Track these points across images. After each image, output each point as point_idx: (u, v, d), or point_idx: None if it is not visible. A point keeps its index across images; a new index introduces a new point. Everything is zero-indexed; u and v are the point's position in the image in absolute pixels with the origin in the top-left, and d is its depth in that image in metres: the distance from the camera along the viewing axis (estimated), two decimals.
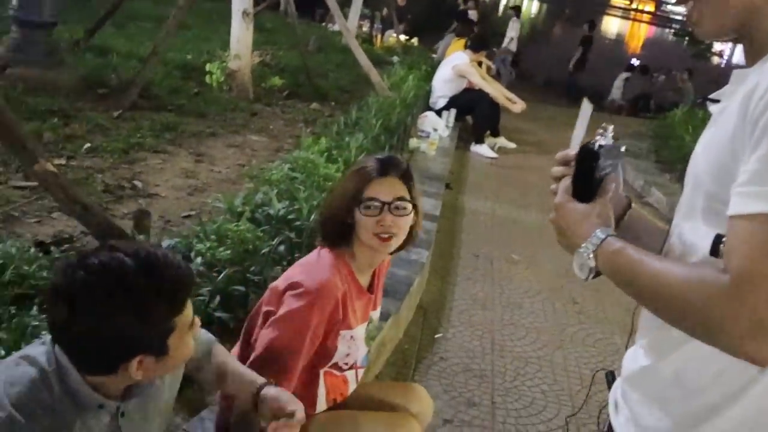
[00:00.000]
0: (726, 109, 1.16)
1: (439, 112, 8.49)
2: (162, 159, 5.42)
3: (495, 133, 8.91)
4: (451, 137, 8.29)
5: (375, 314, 2.31)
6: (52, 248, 3.41)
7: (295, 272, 2.09)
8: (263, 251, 3.43)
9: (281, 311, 2.00)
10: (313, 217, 3.73)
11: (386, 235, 2.06)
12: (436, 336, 4.08)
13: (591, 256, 1.26)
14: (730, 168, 1.08)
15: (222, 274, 3.17)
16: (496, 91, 8.66)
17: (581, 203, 1.34)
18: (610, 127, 1.34)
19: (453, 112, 8.50)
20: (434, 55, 12.83)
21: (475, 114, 8.74)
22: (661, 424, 1.27)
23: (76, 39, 8.17)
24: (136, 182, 4.80)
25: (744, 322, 0.99)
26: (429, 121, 7.91)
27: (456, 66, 8.63)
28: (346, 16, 14.50)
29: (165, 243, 3.42)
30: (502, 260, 5.34)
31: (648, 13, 67.08)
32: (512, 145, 8.97)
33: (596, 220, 1.30)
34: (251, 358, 2.01)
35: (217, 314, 3.05)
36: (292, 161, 4.64)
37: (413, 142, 7.15)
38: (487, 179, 7.60)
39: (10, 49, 6.38)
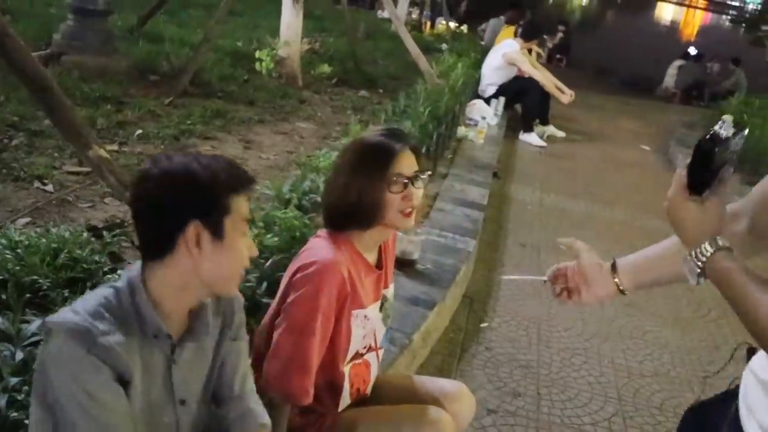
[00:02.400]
0: None
1: (487, 100, 8.43)
2: (211, 146, 5.49)
3: (544, 122, 8.81)
4: (500, 126, 8.22)
5: (388, 292, 2.26)
6: (104, 233, 3.48)
7: (296, 263, 2.04)
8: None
9: (289, 300, 1.97)
10: None
11: (410, 210, 2.03)
12: (482, 325, 4.06)
13: (699, 265, 1.28)
14: None
15: (269, 261, 3.20)
16: (546, 79, 8.55)
17: (694, 200, 1.32)
18: (730, 118, 1.30)
19: (502, 100, 8.42)
20: (482, 42, 12.73)
21: (524, 102, 8.66)
22: None
23: (130, 27, 8.33)
24: None
25: None
26: (477, 109, 7.86)
27: (506, 54, 8.54)
28: (395, 3, 14.51)
29: None
30: (549, 250, 5.29)
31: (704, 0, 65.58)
32: (561, 134, 8.87)
33: (706, 227, 1.29)
34: (268, 354, 1.99)
35: (265, 300, 3.08)
36: (340, 149, 4.65)
37: (461, 131, 7.11)
38: (535, 168, 7.53)
39: (66, 36, 6.52)
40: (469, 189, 5.50)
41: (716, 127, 1.29)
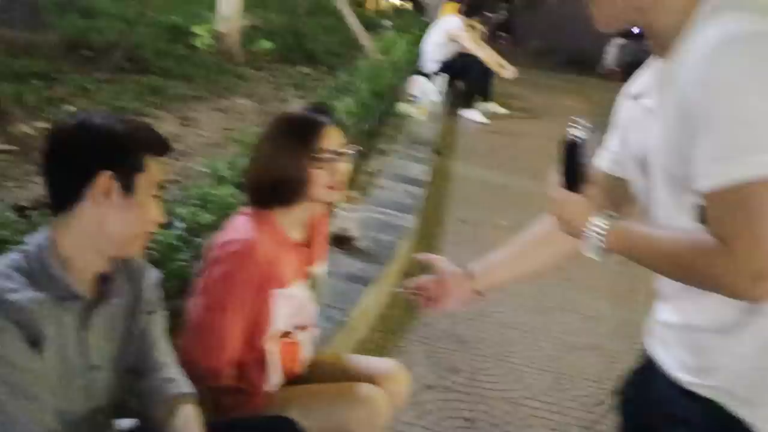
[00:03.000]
0: (666, 103, 1.29)
1: (429, 77, 8.40)
2: (148, 123, 5.34)
3: (487, 99, 8.83)
4: (442, 102, 8.21)
5: (319, 270, 2.23)
6: (32, 213, 3.36)
7: (217, 239, 2.01)
8: None
9: (207, 276, 1.94)
10: None
11: (337, 184, 2.02)
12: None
13: (601, 239, 1.37)
14: (685, 154, 1.21)
15: (204, 239, 3.13)
16: (488, 56, 8.57)
17: (575, 194, 1.44)
18: (581, 120, 1.44)
19: (445, 76, 8.41)
20: (425, 19, 12.69)
21: (466, 79, 8.66)
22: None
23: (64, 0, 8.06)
24: None
25: (746, 274, 1.14)
26: (419, 85, 7.83)
27: (449, 30, 8.52)
28: None
29: None
30: (488, 226, 5.31)
31: None
32: (504, 111, 8.90)
33: (590, 208, 1.40)
34: (186, 329, 1.96)
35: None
36: None
37: (403, 107, 7.08)
38: (477, 145, 7.55)
39: None
40: (410, 165, 5.49)
41: (574, 130, 1.43)
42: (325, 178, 1.99)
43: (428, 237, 4.95)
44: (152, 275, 1.77)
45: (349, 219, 3.89)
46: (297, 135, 1.99)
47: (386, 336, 3.63)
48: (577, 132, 1.44)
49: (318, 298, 2.24)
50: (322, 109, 2.08)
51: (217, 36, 7.74)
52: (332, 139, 2.01)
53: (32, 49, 6.12)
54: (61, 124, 1.57)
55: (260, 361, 2.06)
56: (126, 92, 5.81)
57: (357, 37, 8.16)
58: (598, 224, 1.37)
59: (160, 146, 1.60)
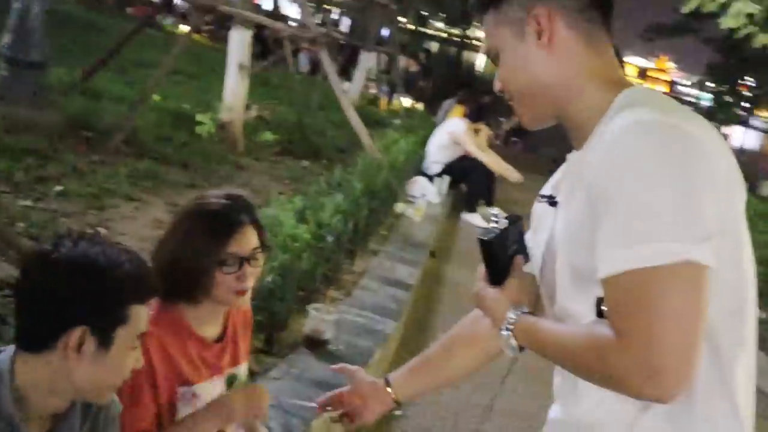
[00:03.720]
0: (573, 193, 1.31)
1: (431, 178, 8.37)
2: (135, 207, 5.27)
3: (489, 204, 8.75)
4: (444, 204, 8.15)
5: (239, 369, 2.07)
6: None
7: None
8: None
9: None
10: (269, 278, 3.56)
11: (244, 290, 1.88)
12: (396, 413, 3.85)
13: (510, 336, 1.38)
14: (590, 240, 1.20)
15: None
16: (492, 160, 8.55)
17: (494, 288, 1.45)
18: (498, 211, 1.49)
19: (446, 178, 8.39)
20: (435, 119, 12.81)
21: (469, 182, 8.63)
22: None
23: (73, 82, 8.16)
24: (100, 229, 4.63)
25: (640, 371, 1.11)
26: (419, 186, 7.79)
27: (452, 132, 8.55)
28: (350, 77, 14.60)
29: None
30: None
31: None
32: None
33: (507, 303, 1.40)
34: None
35: None
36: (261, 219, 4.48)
37: (400, 207, 7.00)
38: (475, 250, 7.38)
39: None
40: (398, 267, 5.34)
41: (489, 225, 1.44)
42: (231, 283, 1.85)
43: (413, 344, 4.76)
44: (113, 410, 1.61)
45: (323, 321, 3.72)
46: (207, 232, 1.84)
47: None
48: (494, 226, 1.45)
49: None
50: (241, 202, 1.93)
51: (221, 125, 7.76)
52: (246, 241, 1.87)
53: (33, 127, 6.11)
54: (41, 256, 1.41)
55: None
56: (119, 175, 5.76)
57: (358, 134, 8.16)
58: (508, 319, 1.37)
59: (150, 291, 1.48)
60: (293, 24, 9.68)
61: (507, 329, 1.37)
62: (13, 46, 6.21)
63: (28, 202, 4.76)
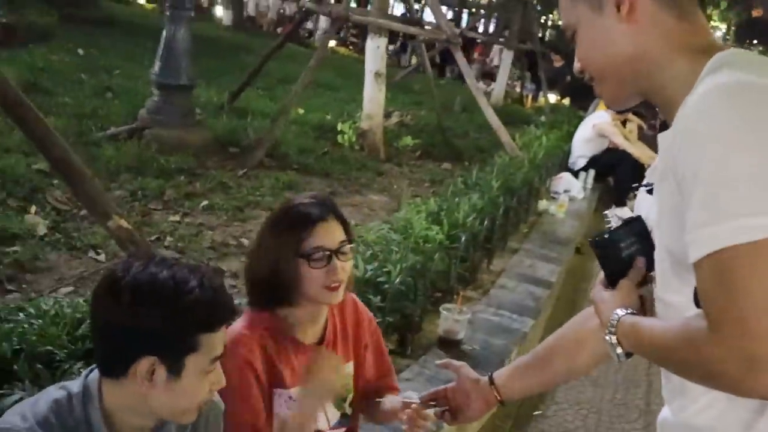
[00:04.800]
0: (663, 176, 1.21)
1: (577, 173, 8.12)
2: None
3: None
4: (590, 199, 7.88)
5: (343, 369, 2.04)
6: None
7: None
8: None
9: None
10: (398, 279, 3.56)
11: (335, 284, 1.85)
12: (535, 413, 3.75)
13: (614, 339, 1.29)
14: (682, 224, 1.10)
15: None
16: (640, 151, 8.18)
17: (607, 291, 1.37)
18: (610, 212, 1.33)
19: (592, 172, 8.09)
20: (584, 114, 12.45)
21: (616, 174, 8.30)
22: None
23: (221, 102, 8.58)
24: (243, 240, 4.83)
25: (737, 363, 1.01)
26: (564, 182, 7.57)
27: (596, 125, 8.26)
28: (494, 78, 14.47)
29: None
30: None
31: None
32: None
33: (615, 305, 1.32)
34: None
35: None
36: (394, 222, 4.51)
37: (543, 204, 6.82)
38: None
39: (150, 111, 6.73)
40: (539, 265, 5.21)
41: (606, 226, 1.39)
42: (320, 278, 1.84)
43: None
44: (215, 411, 1.64)
45: (456, 321, 3.68)
46: (287, 231, 1.85)
47: None
48: (610, 226, 1.40)
49: (339, 402, 2.07)
50: (323, 201, 1.93)
51: (361, 133, 7.89)
52: (331, 235, 1.86)
53: (183, 147, 6.48)
54: (110, 282, 1.38)
55: None
56: (262, 187, 5.99)
57: (497, 133, 8.05)
58: (611, 321, 1.29)
59: (222, 319, 1.46)
60: (428, 27, 9.68)
61: (610, 332, 1.29)
62: (162, 72, 6.61)
63: (177, 218, 5.03)
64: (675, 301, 1.23)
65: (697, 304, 1.12)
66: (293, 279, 1.84)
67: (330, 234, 1.86)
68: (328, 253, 1.85)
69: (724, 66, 1.14)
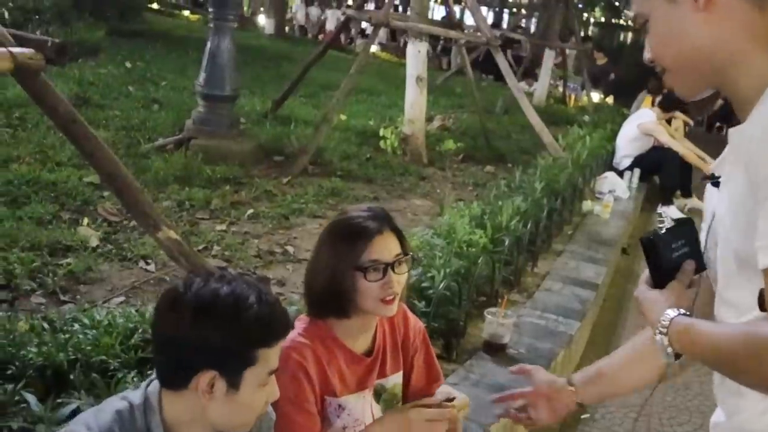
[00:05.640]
0: (734, 172, 1.19)
1: (622, 173, 8.04)
2: (320, 224, 5.50)
3: (686, 194, 8.27)
4: (635, 198, 7.80)
5: (388, 381, 2.09)
6: None
7: None
8: None
9: None
10: (443, 284, 3.58)
11: (391, 297, 1.88)
12: (582, 417, 3.74)
13: (665, 340, 1.29)
14: (751, 224, 1.09)
15: None
16: (687, 150, 8.08)
17: (655, 290, 1.37)
18: (664, 211, 1.31)
19: (637, 172, 8.01)
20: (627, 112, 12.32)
21: (662, 173, 8.20)
22: None
23: (265, 111, 8.70)
24: (288, 247, 4.89)
25: None
26: (608, 182, 7.51)
27: (642, 124, 8.19)
28: (536, 78, 14.38)
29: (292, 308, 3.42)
30: None
31: None
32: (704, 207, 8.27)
33: (665, 305, 1.31)
34: None
35: None
36: (437, 227, 4.54)
37: (587, 205, 6.77)
38: None
39: (196, 122, 6.85)
40: (584, 267, 5.18)
41: (659, 225, 1.23)
42: (376, 291, 1.87)
43: (603, 343, 4.60)
44: (269, 420, 1.69)
45: (501, 324, 3.69)
46: (343, 243, 1.89)
47: None
48: (661, 226, 1.41)
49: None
50: (378, 214, 1.96)
51: (404, 138, 7.92)
52: (387, 248, 1.89)
53: (228, 156, 6.58)
54: (172, 298, 1.45)
55: None
56: (306, 195, 6.06)
57: (539, 134, 8.01)
58: (662, 321, 1.29)
59: (279, 334, 1.51)
60: (468, 30, 9.68)
61: (660, 332, 1.29)
62: (207, 83, 6.73)
63: (224, 227, 5.12)
64: (738, 300, 1.22)
65: (761, 306, 1.13)
66: (349, 291, 1.87)
67: (386, 247, 1.89)
68: (384, 266, 1.87)
69: None
